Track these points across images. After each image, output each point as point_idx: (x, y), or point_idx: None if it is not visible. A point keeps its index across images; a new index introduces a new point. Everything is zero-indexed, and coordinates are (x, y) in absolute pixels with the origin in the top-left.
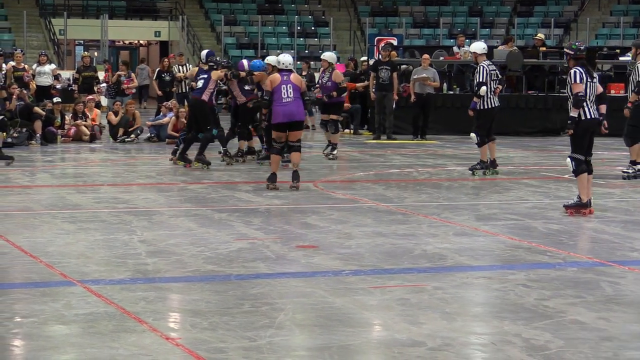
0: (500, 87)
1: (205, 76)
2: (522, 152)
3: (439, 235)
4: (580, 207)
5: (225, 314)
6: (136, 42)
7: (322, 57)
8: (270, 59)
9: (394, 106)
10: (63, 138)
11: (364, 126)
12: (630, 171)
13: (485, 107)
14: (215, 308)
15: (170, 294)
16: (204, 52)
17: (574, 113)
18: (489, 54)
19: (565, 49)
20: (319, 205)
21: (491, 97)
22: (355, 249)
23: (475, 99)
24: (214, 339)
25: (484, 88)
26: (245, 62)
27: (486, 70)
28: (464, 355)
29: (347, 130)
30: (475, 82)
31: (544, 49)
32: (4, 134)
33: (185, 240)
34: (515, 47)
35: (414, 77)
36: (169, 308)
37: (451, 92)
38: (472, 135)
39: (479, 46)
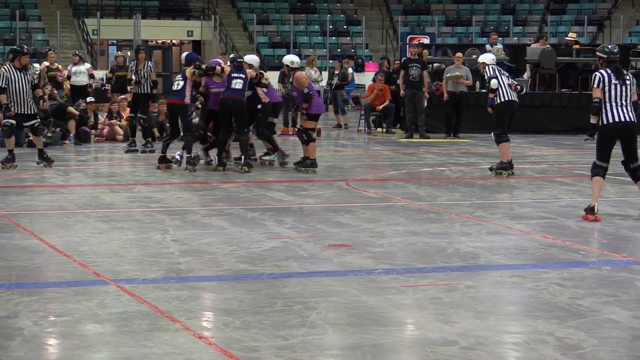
0: (514, 82)
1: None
2: (555, 150)
3: (472, 234)
4: (588, 212)
5: (257, 313)
6: (169, 41)
7: (282, 61)
8: (293, 59)
9: (425, 104)
10: (96, 137)
11: (397, 125)
12: None
13: (501, 100)
14: (248, 307)
15: (203, 293)
16: (184, 55)
17: (592, 120)
18: (522, 52)
19: (597, 52)
20: (351, 204)
21: (506, 91)
22: (387, 248)
23: (490, 95)
24: (247, 338)
25: (494, 80)
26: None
27: (492, 67)
28: (497, 354)
29: (379, 129)
30: (486, 82)
31: (578, 46)
32: (42, 137)
33: (218, 240)
34: (548, 45)
35: (447, 75)
36: (201, 307)
37: (484, 91)
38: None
39: (489, 57)
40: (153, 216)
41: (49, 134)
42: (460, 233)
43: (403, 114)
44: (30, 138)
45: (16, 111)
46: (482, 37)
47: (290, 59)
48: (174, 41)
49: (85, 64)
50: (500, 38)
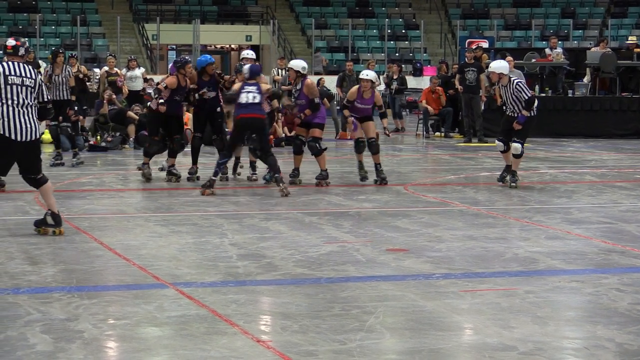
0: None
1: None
2: (615, 154)
3: (531, 239)
4: None
5: (315, 317)
6: (227, 46)
7: (289, 65)
8: (305, 64)
9: (482, 108)
10: None
11: (455, 129)
12: None
13: (535, 113)
14: (306, 311)
15: (260, 296)
16: (246, 67)
17: None
18: (583, 56)
19: None
20: (409, 208)
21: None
22: (445, 253)
23: (525, 113)
24: (305, 342)
25: (536, 100)
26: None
27: (522, 84)
28: None
29: (437, 133)
30: (522, 98)
31: (639, 50)
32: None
33: (276, 244)
34: (608, 49)
35: None
36: (259, 311)
37: (543, 95)
38: (517, 145)
39: (504, 66)
40: (211, 220)
41: (109, 138)
42: (519, 238)
43: (461, 118)
44: (91, 141)
45: None
46: (541, 41)
47: (302, 64)
48: (232, 46)
49: (140, 68)
50: (560, 42)
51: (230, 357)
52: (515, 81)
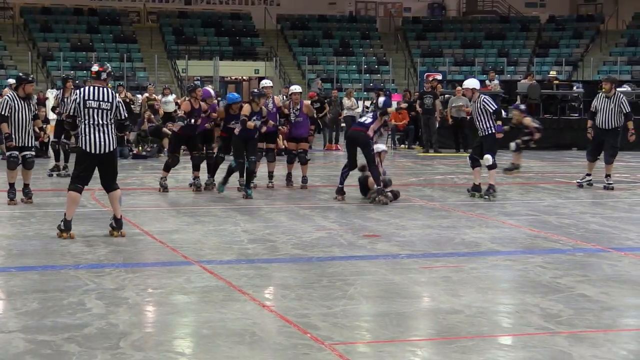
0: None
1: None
2: (540, 162)
3: (475, 227)
4: None
5: (308, 287)
6: (240, 77)
7: (294, 90)
8: (299, 88)
9: (436, 126)
10: (185, 151)
11: (416, 142)
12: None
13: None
14: (301, 283)
15: (266, 271)
16: (382, 99)
17: None
18: (514, 86)
19: None
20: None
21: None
22: (409, 238)
23: (499, 122)
24: (300, 306)
25: (502, 111)
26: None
27: (488, 99)
28: (493, 321)
29: (402, 146)
30: (491, 111)
31: (557, 82)
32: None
33: (278, 230)
34: (534, 81)
35: (452, 105)
36: (265, 283)
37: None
38: (488, 156)
39: (475, 82)
40: (228, 212)
41: (148, 149)
42: (465, 226)
43: (421, 134)
44: (134, 151)
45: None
46: (482, 74)
47: (299, 89)
48: (244, 77)
49: (172, 94)
50: (496, 75)
51: (242, 318)
52: (482, 97)
